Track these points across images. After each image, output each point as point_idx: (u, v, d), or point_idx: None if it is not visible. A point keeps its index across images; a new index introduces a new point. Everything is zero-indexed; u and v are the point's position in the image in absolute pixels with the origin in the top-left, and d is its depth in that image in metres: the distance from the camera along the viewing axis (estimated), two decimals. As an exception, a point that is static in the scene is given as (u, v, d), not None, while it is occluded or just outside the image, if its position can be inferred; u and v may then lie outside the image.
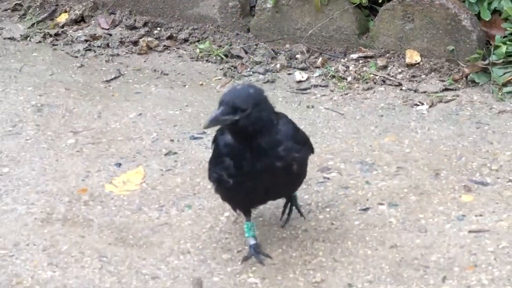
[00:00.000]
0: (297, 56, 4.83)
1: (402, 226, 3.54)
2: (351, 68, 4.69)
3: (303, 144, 3.23)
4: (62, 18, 5.31)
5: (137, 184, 3.89)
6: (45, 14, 5.37)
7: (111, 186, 3.89)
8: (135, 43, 5.10)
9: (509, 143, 4.03)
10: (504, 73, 4.42)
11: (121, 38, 5.13)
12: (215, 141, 3.23)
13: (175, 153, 4.11)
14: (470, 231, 3.48)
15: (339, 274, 3.29)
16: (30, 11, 5.43)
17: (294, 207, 3.53)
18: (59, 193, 3.85)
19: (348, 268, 3.32)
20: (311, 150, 3.35)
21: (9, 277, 3.36)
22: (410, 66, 4.64)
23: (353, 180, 3.83)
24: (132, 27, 5.19)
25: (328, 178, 3.84)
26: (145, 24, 5.19)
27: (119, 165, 4.04)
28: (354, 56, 4.76)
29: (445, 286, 3.21)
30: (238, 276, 3.31)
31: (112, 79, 4.79)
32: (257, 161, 3.05)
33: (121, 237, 3.57)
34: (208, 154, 4.04)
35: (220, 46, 4.97)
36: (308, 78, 4.67)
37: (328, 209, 3.63)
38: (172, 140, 4.22)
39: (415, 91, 4.49)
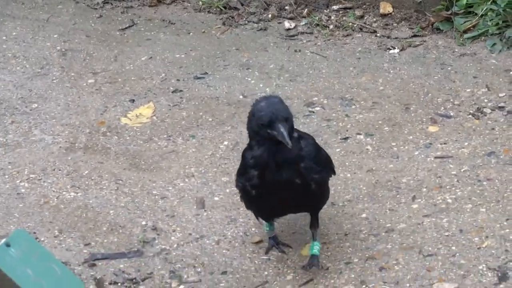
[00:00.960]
0: (286, 7, 4.70)
1: (377, 153, 3.47)
2: (332, 17, 4.57)
3: (324, 166, 2.90)
4: (84, -25, 5.16)
5: (148, 117, 3.82)
6: (69, -28, 5.22)
7: (125, 119, 3.82)
8: (146, -4, 4.96)
9: (469, 81, 3.93)
10: (465, 22, 4.32)
11: (134, -8, 4.99)
12: (243, 155, 2.90)
13: (181, 90, 4.01)
14: (436, 157, 3.41)
15: (323, 194, 3.21)
16: (55, -31, 5.26)
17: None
18: (81, 125, 3.78)
19: (331, 189, 3.22)
20: (332, 172, 3.00)
21: (38, 197, 3.32)
22: (383, 16, 4.52)
23: (335, 114, 3.74)
24: (144, -17, 5.04)
25: (313, 112, 3.76)
26: (155, -20, 5.04)
27: (133, 101, 3.94)
28: (335, 7, 4.64)
29: (415, 204, 3.15)
30: (235, 196, 3.22)
31: (126, 28, 4.66)
32: (279, 174, 2.76)
33: (134, 163, 3.51)
34: (209, 91, 3.99)
35: (219, -1, 4.83)
36: (295, 26, 4.55)
37: (313, 139, 3.53)
38: (178, 80, 4.10)
39: (388, 37, 4.37)
